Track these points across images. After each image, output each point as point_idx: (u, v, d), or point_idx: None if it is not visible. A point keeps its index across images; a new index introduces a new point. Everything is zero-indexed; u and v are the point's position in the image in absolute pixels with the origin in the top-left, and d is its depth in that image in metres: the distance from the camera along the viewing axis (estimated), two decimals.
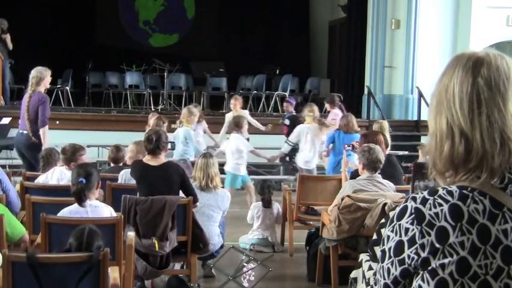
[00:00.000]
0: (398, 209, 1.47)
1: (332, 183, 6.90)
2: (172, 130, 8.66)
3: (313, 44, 18.27)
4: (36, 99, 7.54)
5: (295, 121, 9.89)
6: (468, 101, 1.44)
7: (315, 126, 8.73)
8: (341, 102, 10.71)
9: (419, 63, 12.93)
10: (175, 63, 14.28)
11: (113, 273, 3.84)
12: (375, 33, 13.38)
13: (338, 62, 16.57)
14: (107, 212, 4.47)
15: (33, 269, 3.31)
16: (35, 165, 7.22)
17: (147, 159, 5.44)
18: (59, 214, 4.37)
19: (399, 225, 1.44)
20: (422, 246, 1.39)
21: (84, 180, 4.31)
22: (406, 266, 1.42)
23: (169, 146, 6.61)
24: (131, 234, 4.46)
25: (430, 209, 1.41)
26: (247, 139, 9.44)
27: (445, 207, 1.40)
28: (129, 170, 5.68)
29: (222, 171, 8.73)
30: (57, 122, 10.68)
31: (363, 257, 1.90)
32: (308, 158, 8.71)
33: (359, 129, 8.81)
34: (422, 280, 1.40)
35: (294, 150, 9.14)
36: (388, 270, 1.45)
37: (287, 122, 10.23)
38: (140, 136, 6.34)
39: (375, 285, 1.50)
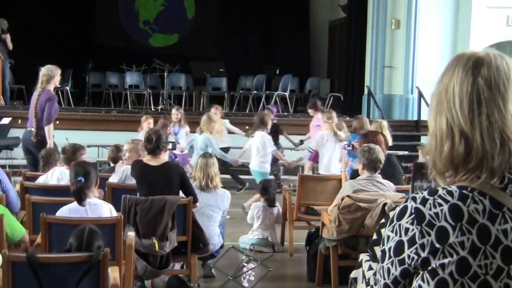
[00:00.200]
0: (398, 209, 1.47)
1: (332, 183, 6.90)
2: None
3: (313, 44, 18.26)
4: (45, 98, 7.58)
5: (277, 129, 9.99)
6: (468, 101, 1.44)
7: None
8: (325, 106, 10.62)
9: (419, 63, 12.90)
10: (175, 63, 14.26)
11: (113, 273, 3.83)
12: (375, 33, 13.36)
13: (338, 62, 16.55)
14: (106, 209, 4.47)
15: (33, 269, 3.31)
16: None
17: (147, 159, 5.44)
18: (58, 212, 4.37)
19: (399, 225, 1.44)
20: (422, 246, 1.39)
21: (83, 179, 4.30)
22: (406, 266, 1.42)
23: (169, 145, 6.62)
24: (131, 234, 4.45)
25: (430, 209, 1.41)
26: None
27: (445, 207, 1.40)
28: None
29: (248, 172, 8.75)
30: (57, 122, 10.66)
31: (363, 257, 1.89)
32: (328, 165, 8.48)
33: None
34: (422, 280, 1.40)
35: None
36: (388, 270, 1.45)
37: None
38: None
39: (375, 285, 1.51)
